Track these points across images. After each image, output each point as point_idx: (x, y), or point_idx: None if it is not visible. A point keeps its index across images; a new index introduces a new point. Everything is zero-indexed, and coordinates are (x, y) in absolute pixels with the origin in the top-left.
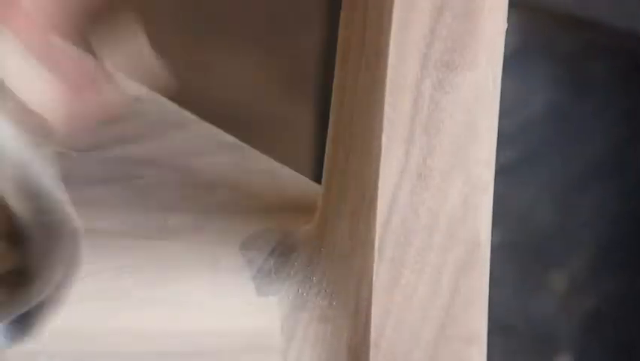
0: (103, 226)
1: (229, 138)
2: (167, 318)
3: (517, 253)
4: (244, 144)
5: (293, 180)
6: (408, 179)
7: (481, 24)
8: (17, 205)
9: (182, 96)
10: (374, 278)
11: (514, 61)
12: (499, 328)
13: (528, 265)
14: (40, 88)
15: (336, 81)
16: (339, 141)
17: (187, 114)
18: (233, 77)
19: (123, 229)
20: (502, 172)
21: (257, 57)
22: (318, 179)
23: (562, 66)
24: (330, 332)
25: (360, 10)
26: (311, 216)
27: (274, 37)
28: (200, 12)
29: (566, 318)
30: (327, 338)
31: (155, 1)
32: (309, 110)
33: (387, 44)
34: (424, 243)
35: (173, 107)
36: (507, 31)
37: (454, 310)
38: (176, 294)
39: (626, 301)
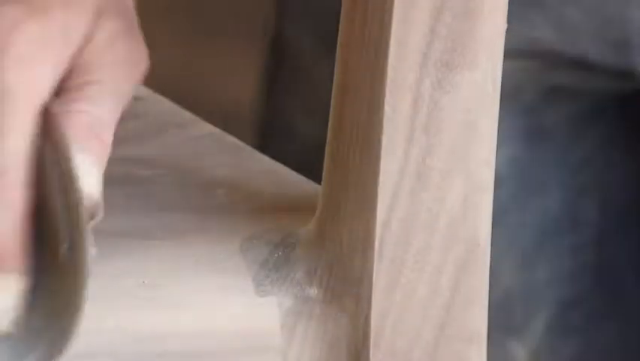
0: (103, 226)
1: (229, 138)
2: (167, 318)
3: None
4: (244, 144)
5: (293, 180)
6: (408, 179)
7: (481, 24)
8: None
9: (182, 96)
10: (374, 278)
11: None
12: None
13: (488, 332)
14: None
15: (336, 81)
16: (339, 141)
17: (187, 114)
18: (233, 78)
19: (123, 229)
20: None
21: (257, 57)
22: (318, 179)
23: (523, 117)
24: (330, 332)
25: (360, 9)
26: (311, 216)
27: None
28: (200, 12)
29: None
30: (327, 338)
31: (155, 2)
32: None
33: (387, 44)
34: (424, 243)
35: (173, 107)
36: None
37: (454, 310)
38: (176, 294)
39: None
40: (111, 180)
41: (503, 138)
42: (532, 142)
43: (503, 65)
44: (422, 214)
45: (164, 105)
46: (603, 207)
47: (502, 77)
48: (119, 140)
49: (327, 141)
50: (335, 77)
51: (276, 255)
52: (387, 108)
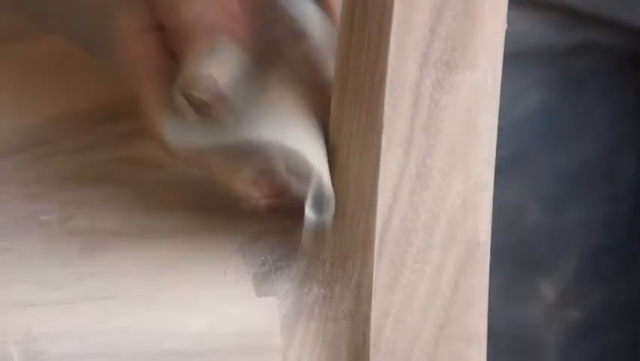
0: (103, 226)
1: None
2: (167, 318)
3: (505, 256)
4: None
5: None
6: (408, 179)
7: (481, 24)
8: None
9: None
10: (374, 278)
11: (505, 60)
12: None
13: (516, 270)
14: None
15: (336, 81)
16: (339, 141)
17: None
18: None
19: (123, 229)
20: None
21: None
22: None
23: (553, 65)
24: (330, 332)
25: (360, 9)
26: None
27: None
28: None
29: (552, 328)
30: (327, 337)
31: None
32: None
33: (387, 44)
34: (424, 243)
35: None
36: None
37: (454, 310)
38: (176, 294)
39: (614, 311)
40: (111, 180)
41: (533, 84)
42: (565, 90)
43: (531, 17)
44: (422, 214)
45: None
46: None
47: (532, 29)
48: (119, 140)
49: (328, 140)
50: (335, 77)
51: (276, 255)
52: (387, 108)
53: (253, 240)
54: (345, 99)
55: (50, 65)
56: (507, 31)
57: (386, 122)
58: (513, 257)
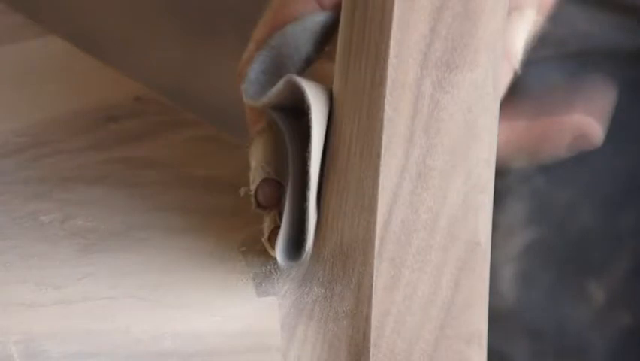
0: (103, 226)
1: (229, 138)
2: (167, 318)
3: (555, 254)
4: (244, 144)
5: None
6: (408, 179)
7: (481, 24)
8: None
9: (182, 96)
10: (374, 278)
11: (571, 58)
12: (526, 331)
13: (565, 268)
14: None
15: (336, 81)
16: (339, 141)
17: (187, 114)
18: (233, 78)
19: (123, 229)
20: (544, 169)
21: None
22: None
23: (618, 67)
24: (330, 332)
25: (360, 10)
26: None
27: None
28: (201, 13)
29: (601, 332)
30: (327, 337)
31: (155, 2)
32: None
33: (387, 44)
34: (424, 243)
35: (173, 107)
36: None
37: (454, 310)
38: (176, 294)
39: None
40: (111, 180)
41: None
42: (628, 93)
43: (599, 18)
44: (422, 214)
45: (164, 105)
46: None
47: (598, 30)
48: (119, 140)
49: (328, 140)
50: (335, 77)
51: None
52: (387, 108)
53: (253, 240)
54: (346, 99)
55: (50, 65)
56: (574, 31)
57: (386, 122)
58: (564, 257)
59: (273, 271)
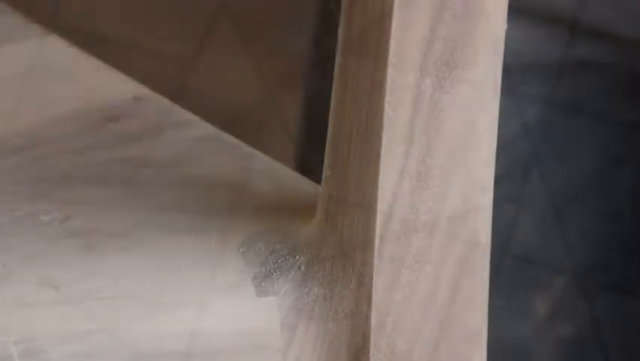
0: (103, 226)
1: (229, 138)
2: (166, 318)
3: (498, 271)
4: (244, 144)
5: (293, 180)
6: (408, 179)
7: (481, 24)
8: None
9: (182, 96)
10: (374, 278)
11: (505, 74)
12: None
13: (509, 284)
14: None
15: (336, 80)
16: (339, 141)
17: (187, 114)
18: (233, 78)
19: (123, 229)
20: (520, 260)
21: (256, 58)
22: (317, 179)
23: (554, 81)
24: (330, 332)
25: (360, 9)
26: (311, 216)
27: (271, 37)
28: (200, 12)
29: (543, 342)
30: (327, 338)
31: (155, 2)
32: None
33: (387, 43)
34: (424, 243)
35: (173, 107)
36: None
37: (454, 310)
38: (175, 294)
39: (606, 327)
40: (111, 180)
41: (530, 98)
42: (563, 107)
43: (531, 32)
44: (422, 214)
45: (164, 105)
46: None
47: (532, 44)
48: (119, 140)
49: (327, 141)
50: (335, 77)
51: (276, 255)
52: (387, 108)
53: (253, 240)
54: (346, 99)
55: (50, 65)
56: (506, 46)
57: (386, 122)
58: (506, 272)
59: (273, 271)
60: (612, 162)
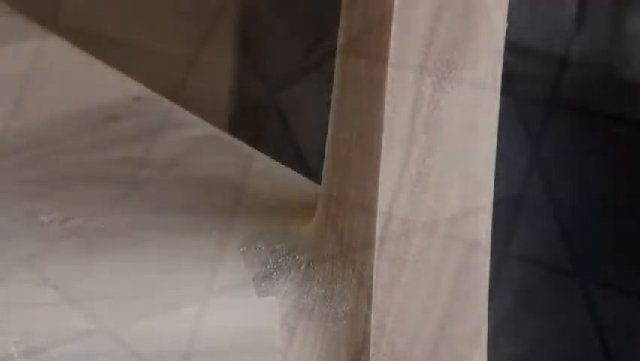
0: (103, 226)
1: (229, 138)
2: (166, 318)
3: (496, 271)
4: (244, 144)
5: (293, 180)
6: (408, 179)
7: (481, 24)
8: None
9: (182, 96)
10: (374, 278)
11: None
12: None
13: (506, 284)
14: None
15: (336, 80)
16: (339, 141)
17: (187, 114)
18: (233, 78)
19: (122, 229)
20: (520, 260)
21: (256, 58)
22: (318, 179)
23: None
24: (330, 332)
25: (360, 9)
26: (311, 217)
27: (271, 37)
28: (200, 12)
29: (545, 342)
30: (327, 337)
31: (155, 2)
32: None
33: (387, 43)
34: (424, 243)
35: (173, 107)
36: None
37: (454, 310)
38: (176, 294)
39: (607, 327)
40: (111, 180)
41: None
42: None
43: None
44: (422, 214)
45: (164, 105)
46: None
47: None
48: (119, 140)
49: (327, 140)
50: (335, 77)
51: (276, 255)
52: (387, 108)
53: (253, 240)
54: (346, 99)
55: (50, 65)
56: None
57: (386, 122)
58: (543, 350)
59: (273, 271)
60: (552, 175)
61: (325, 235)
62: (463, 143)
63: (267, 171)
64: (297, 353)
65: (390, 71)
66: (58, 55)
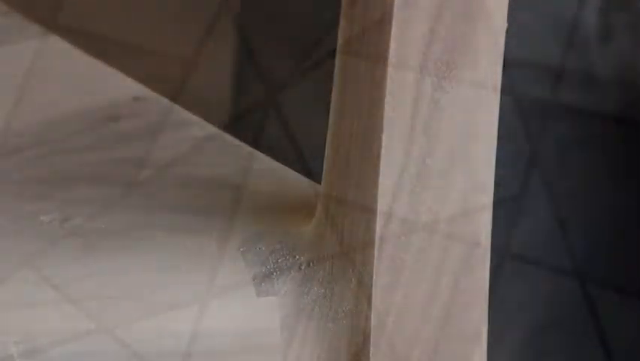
0: (103, 226)
1: (229, 138)
2: (166, 318)
3: (496, 271)
4: (244, 144)
5: (293, 180)
6: (408, 179)
7: (481, 24)
8: None
9: (182, 96)
10: (374, 278)
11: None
12: None
13: (507, 284)
14: None
15: (336, 80)
16: (339, 141)
17: (187, 114)
18: (233, 78)
19: (122, 229)
20: (519, 260)
21: (256, 58)
22: (318, 179)
23: (508, 141)
24: (330, 332)
25: (360, 9)
26: (311, 216)
27: (271, 37)
28: (200, 12)
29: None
30: (327, 338)
31: (155, 2)
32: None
33: (387, 43)
34: (424, 243)
35: (173, 107)
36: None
37: (454, 310)
38: (176, 294)
39: (608, 327)
40: (111, 180)
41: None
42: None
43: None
44: (422, 214)
45: (164, 105)
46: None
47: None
48: (119, 140)
49: (327, 140)
50: (335, 77)
51: (276, 255)
52: (387, 108)
53: (253, 240)
54: (346, 99)
55: (50, 65)
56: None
57: (386, 122)
58: (542, 350)
59: (273, 271)
60: (562, 218)
61: (325, 235)
62: (463, 143)
63: (267, 171)
64: (297, 353)
65: (390, 71)
66: (58, 55)
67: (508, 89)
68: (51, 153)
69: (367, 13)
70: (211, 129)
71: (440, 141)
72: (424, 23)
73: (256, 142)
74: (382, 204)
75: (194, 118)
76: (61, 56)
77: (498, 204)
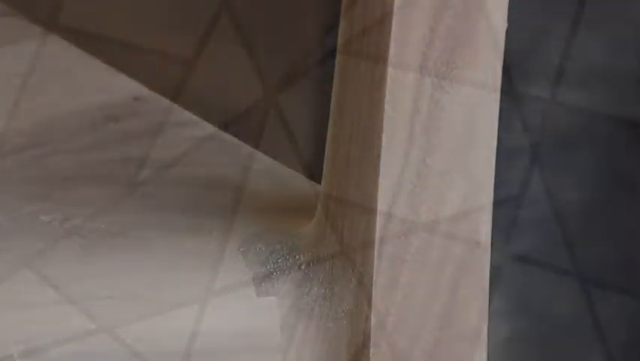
0: (103, 226)
1: (229, 138)
2: (166, 318)
3: (534, 350)
4: (244, 144)
5: (293, 180)
6: (408, 179)
7: (481, 24)
8: None
9: (182, 96)
10: (374, 278)
11: None
12: None
13: (506, 284)
14: None
15: (336, 80)
16: (339, 141)
17: (187, 114)
18: (233, 78)
19: (122, 229)
20: (520, 260)
21: (256, 58)
22: (318, 179)
23: (600, 159)
24: (330, 332)
25: (360, 9)
26: (311, 216)
27: (272, 37)
28: (200, 12)
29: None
30: (327, 337)
31: (155, 2)
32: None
33: (387, 44)
34: (424, 242)
35: (173, 107)
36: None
37: (454, 310)
38: (176, 294)
39: (608, 326)
40: (111, 179)
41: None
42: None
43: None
44: (422, 214)
45: (164, 105)
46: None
47: (572, 113)
48: (119, 140)
49: (327, 140)
50: (335, 77)
51: (276, 255)
52: (388, 108)
53: (253, 240)
54: (346, 99)
55: (50, 65)
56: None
57: (386, 122)
58: (542, 351)
59: (273, 271)
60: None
61: (325, 235)
62: (463, 143)
63: (267, 171)
64: (297, 353)
65: (390, 71)
66: (58, 55)
67: (508, 89)
68: (51, 153)
69: (367, 13)
70: (211, 129)
71: (440, 141)
72: (424, 23)
73: (256, 142)
74: (382, 204)
75: (194, 118)
76: (61, 56)
77: (498, 204)
